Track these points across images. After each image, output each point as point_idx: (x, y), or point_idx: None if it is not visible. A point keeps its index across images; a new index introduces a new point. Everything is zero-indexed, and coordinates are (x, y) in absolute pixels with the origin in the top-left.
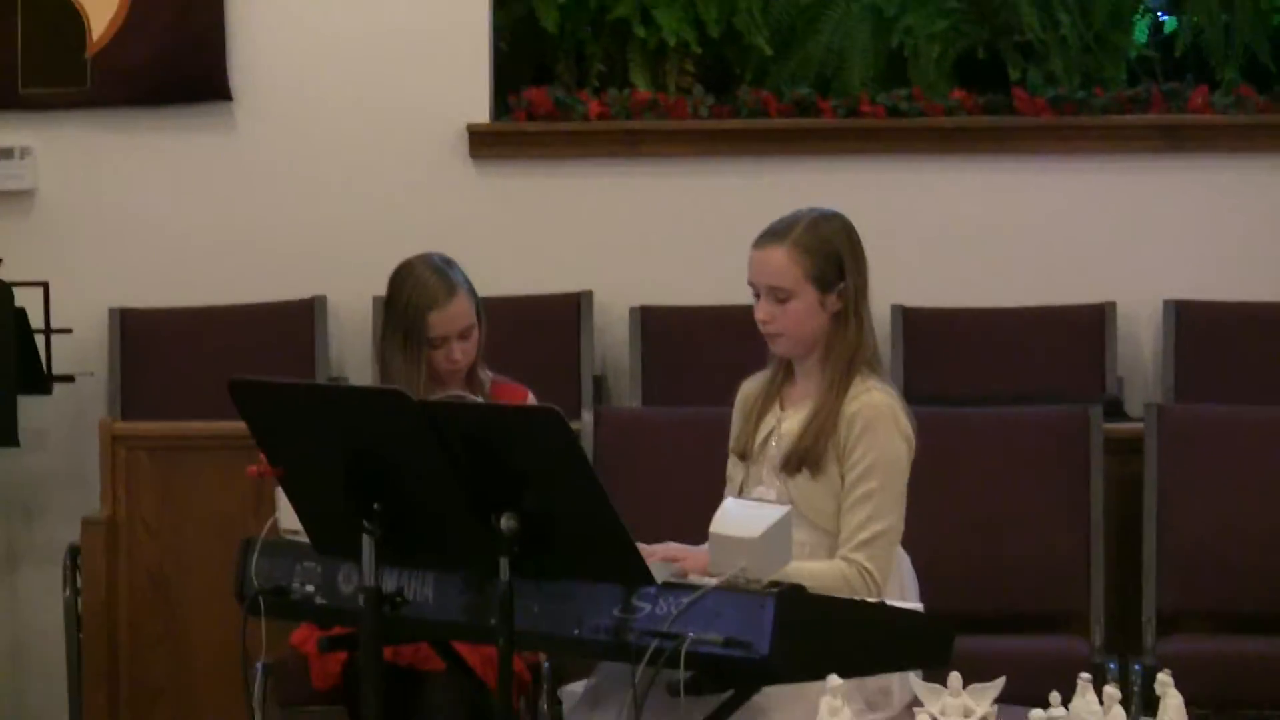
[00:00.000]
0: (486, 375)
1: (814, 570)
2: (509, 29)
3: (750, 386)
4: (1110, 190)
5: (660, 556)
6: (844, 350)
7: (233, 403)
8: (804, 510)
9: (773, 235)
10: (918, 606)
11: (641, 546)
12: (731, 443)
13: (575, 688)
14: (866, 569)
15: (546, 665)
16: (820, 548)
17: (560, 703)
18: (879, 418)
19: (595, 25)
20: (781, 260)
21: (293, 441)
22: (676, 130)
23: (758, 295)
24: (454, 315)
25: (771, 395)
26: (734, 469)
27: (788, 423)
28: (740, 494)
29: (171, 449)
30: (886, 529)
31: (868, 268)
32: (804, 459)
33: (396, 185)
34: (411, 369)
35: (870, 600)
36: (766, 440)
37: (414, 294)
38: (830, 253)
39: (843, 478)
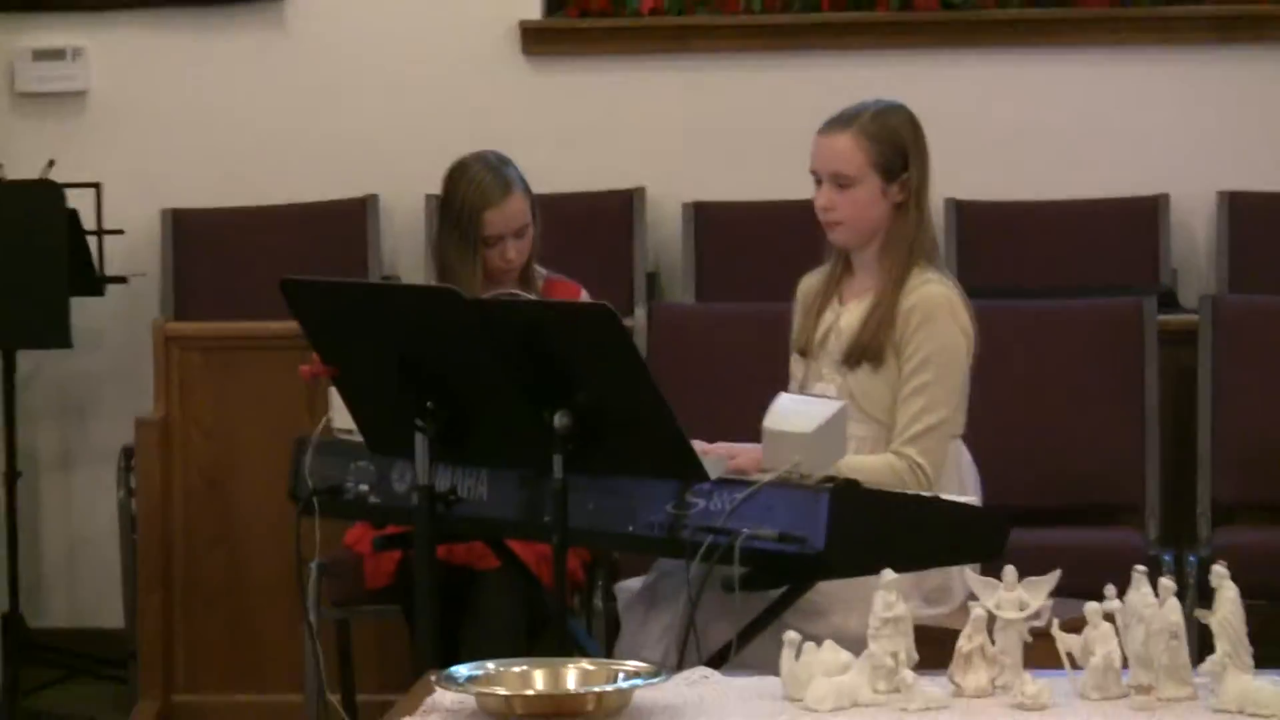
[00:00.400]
0: (540, 272)
1: (865, 464)
2: None
3: (809, 282)
4: (1164, 82)
5: (714, 455)
6: (902, 242)
7: (285, 302)
8: (864, 404)
9: (839, 122)
10: (973, 500)
11: (696, 444)
12: (792, 340)
13: (632, 584)
14: (918, 463)
15: (601, 562)
16: (880, 442)
17: (616, 599)
18: (936, 310)
19: None
20: (847, 146)
21: (345, 340)
22: (729, 25)
23: (819, 183)
24: (509, 214)
25: (830, 290)
26: (795, 366)
27: (847, 317)
28: (802, 390)
29: (224, 349)
30: (940, 422)
31: (929, 161)
32: (864, 352)
33: (449, 83)
34: (467, 267)
35: (924, 494)
36: (826, 335)
37: (469, 193)
38: (896, 141)
39: (900, 370)
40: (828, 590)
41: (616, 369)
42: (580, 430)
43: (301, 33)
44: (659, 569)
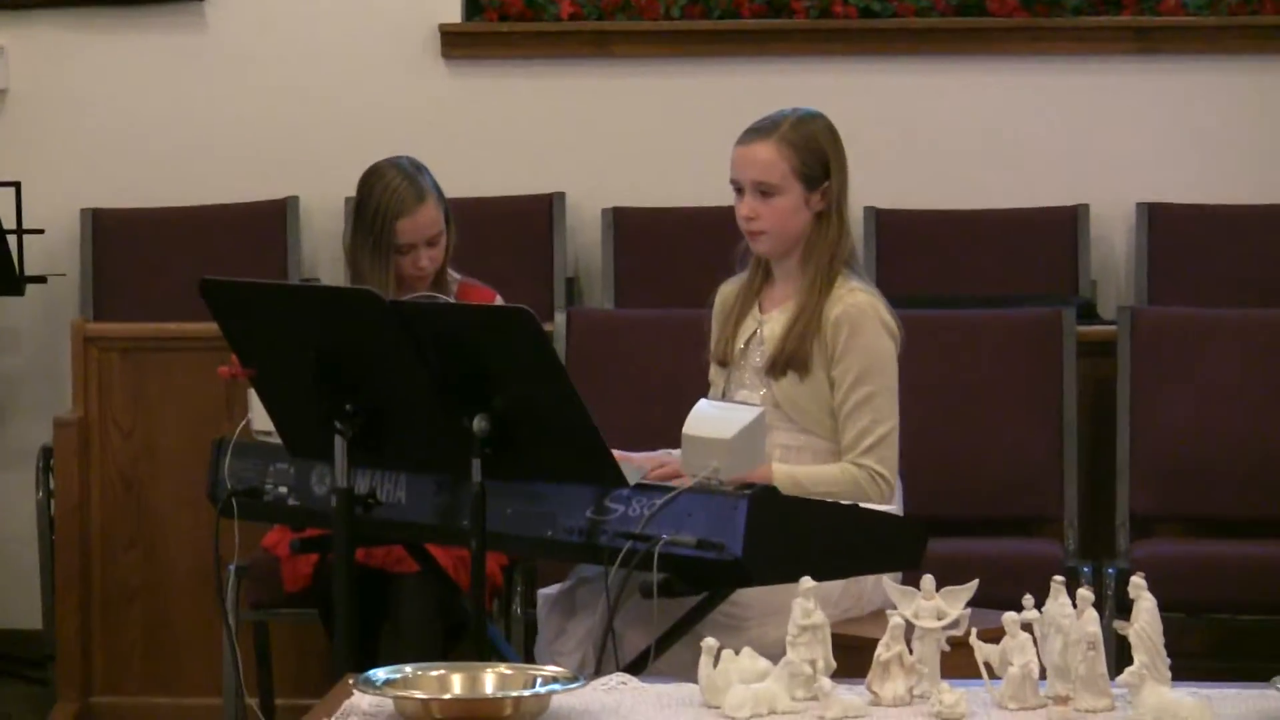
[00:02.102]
0: (454, 278)
1: (826, 474)
2: None
3: (727, 290)
4: (1083, 92)
5: (642, 461)
6: (824, 250)
7: (204, 303)
8: (790, 413)
9: (759, 131)
10: (894, 509)
11: (623, 453)
12: (711, 349)
13: (551, 590)
14: (878, 472)
15: (520, 567)
16: (805, 450)
17: (535, 606)
18: (864, 318)
19: None
20: (769, 155)
21: (264, 342)
22: (648, 30)
23: (740, 193)
24: (422, 223)
25: (750, 298)
26: (716, 375)
27: (769, 326)
28: (723, 399)
29: (143, 349)
30: (890, 430)
31: (847, 169)
32: (789, 362)
33: (368, 85)
34: (379, 273)
35: (844, 502)
36: (748, 344)
37: (383, 200)
38: (816, 150)
39: (832, 381)
40: (747, 602)
41: (535, 373)
42: (499, 434)
43: (222, 33)
44: (578, 575)
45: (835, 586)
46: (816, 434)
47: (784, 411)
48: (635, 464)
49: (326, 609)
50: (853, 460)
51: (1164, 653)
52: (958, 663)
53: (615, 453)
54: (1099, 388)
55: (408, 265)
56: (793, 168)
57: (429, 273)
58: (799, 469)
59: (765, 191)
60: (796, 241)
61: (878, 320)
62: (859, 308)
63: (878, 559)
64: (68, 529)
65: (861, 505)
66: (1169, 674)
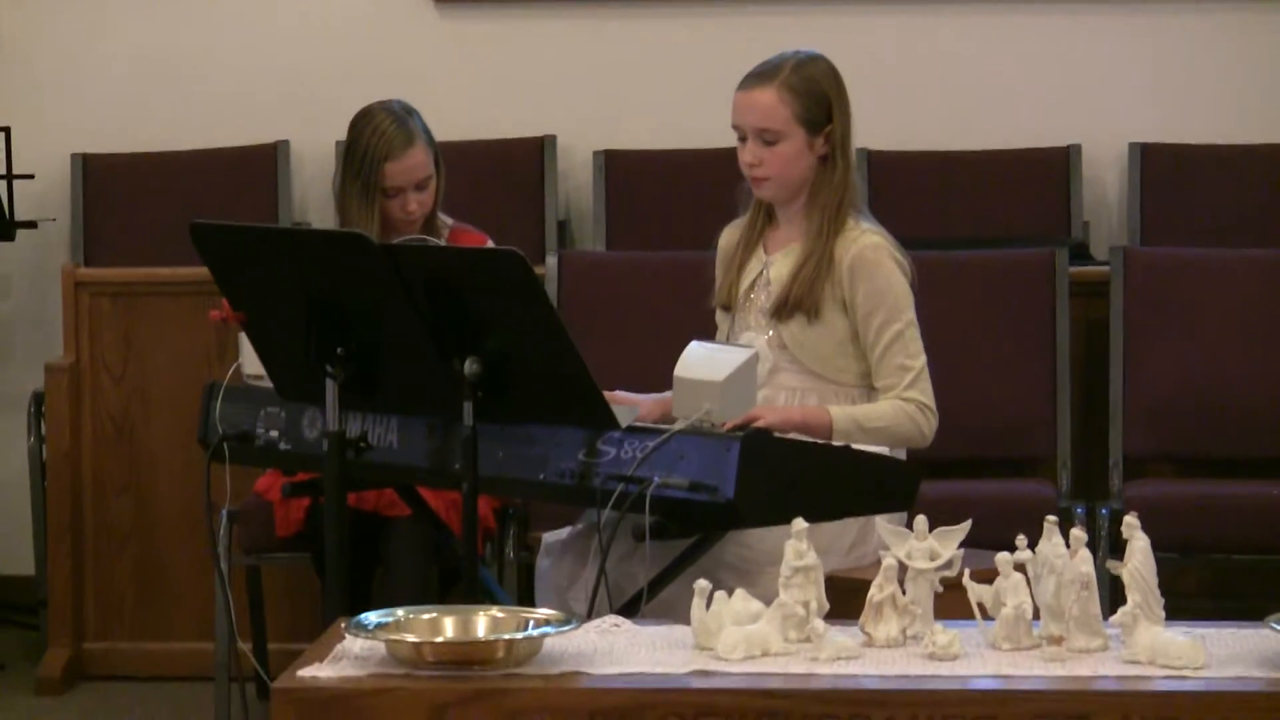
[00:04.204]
0: (446, 222)
1: (882, 412)
2: None
3: (729, 234)
4: (1075, 32)
5: (645, 402)
6: (830, 194)
7: (194, 247)
8: (799, 355)
9: (760, 77)
10: (884, 450)
11: (627, 394)
12: (715, 294)
13: (562, 534)
14: (923, 404)
15: (513, 510)
16: (812, 392)
17: (529, 548)
18: (879, 259)
19: None
20: (770, 101)
21: (255, 286)
22: None
23: (743, 139)
24: (411, 166)
25: (753, 241)
26: (721, 319)
27: (775, 268)
28: (728, 342)
29: (134, 294)
30: (924, 363)
31: (850, 111)
32: (798, 304)
33: (360, 29)
34: (367, 217)
35: (836, 444)
36: (752, 286)
37: (372, 143)
38: (818, 94)
39: (855, 325)
40: (760, 547)
41: (526, 316)
42: (490, 377)
43: None
44: (587, 519)
45: (846, 534)
46: (823, 375)
47: (790, 353)
48: (634, 405)
49: (318, 553)
50: (899, 396)
51: (1157, 592)
52: (951, 604)
53: (617, 394)
54: (1091, 329)
55: (396, 209)
56: (795, 113)
57: (418, 217)
58: (855, 409)
59: (768, 138)
60: (801, 186)
61: (890, 258)
62: (874, 248)
63: (871, 500)
64: (59, 475)
65: (854, 448)
66: (1162, 614)
